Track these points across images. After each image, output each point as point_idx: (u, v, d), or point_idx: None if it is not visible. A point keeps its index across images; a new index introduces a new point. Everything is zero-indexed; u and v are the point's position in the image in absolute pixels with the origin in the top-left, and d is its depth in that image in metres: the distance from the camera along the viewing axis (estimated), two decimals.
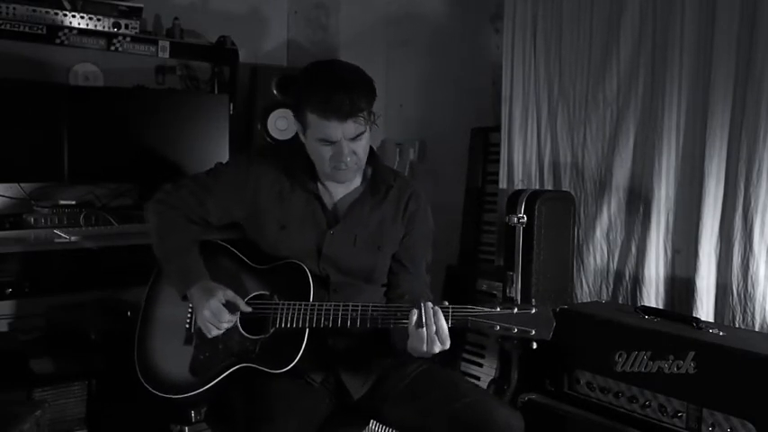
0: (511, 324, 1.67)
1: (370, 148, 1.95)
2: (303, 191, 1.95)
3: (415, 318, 1.68)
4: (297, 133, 1.92)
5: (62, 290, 2.73)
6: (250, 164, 1.97)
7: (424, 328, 1.67)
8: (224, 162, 2.08)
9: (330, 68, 1.85)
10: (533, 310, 1.67)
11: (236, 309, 1.84)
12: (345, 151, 1.82)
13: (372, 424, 2.03)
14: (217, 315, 1.81)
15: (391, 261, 2.01)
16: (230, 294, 1.84)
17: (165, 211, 1.96)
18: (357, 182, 1.99)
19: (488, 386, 2.64)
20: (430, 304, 1.69)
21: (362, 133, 1.83)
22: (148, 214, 1.99)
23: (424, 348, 1.69)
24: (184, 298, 1.88)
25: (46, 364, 2.60)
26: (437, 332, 1.68)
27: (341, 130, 1.79)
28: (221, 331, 1.84)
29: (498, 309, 1.68)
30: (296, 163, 1.95)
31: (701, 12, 2.30)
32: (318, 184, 1.96)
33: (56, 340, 2.75)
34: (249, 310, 1.85)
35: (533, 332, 1.66)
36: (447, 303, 1.73)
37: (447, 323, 1.68)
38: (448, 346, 1.70)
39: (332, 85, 1.77)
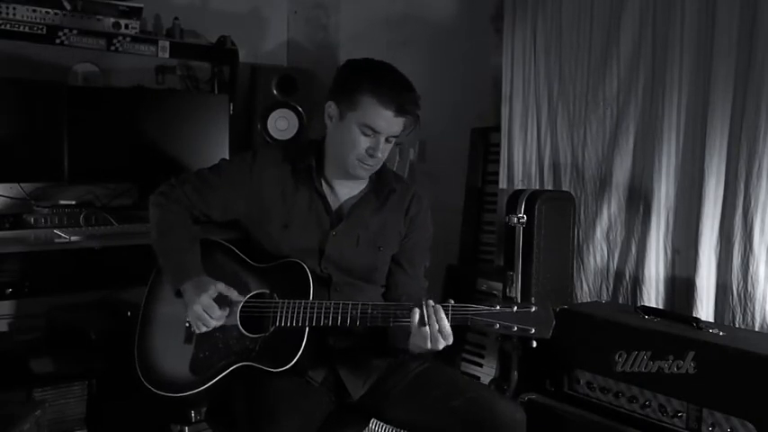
0: (511, 323, 1.67)
1: None
2: (307, 190, 1.95)
3: (417, 317, 1.70)
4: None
5: (62, 290, 2.73)
6: (254, 160, 1.98)
7: (427, 327, 1.68)
8: (228, 158, 2.09)
9: (392, 67, 1.89)
10: (533, 309, 1.67)
11: (228, 303, 1.84)
12: (380, 147, 1.85)
13: (372, 423, 2.03)
14: (207, 310, 1.81)
15: (390, 263, 2.02)
16: (222, 287, 1.84)
17: (167, 205, 1.96)
18: (362, 184, 2.00)
19: (488, 386, 2.64)
20: (431, 302, 1.70)
21: (396, 138, 1.88)
22: (151, 207, 1.99)
23: (429, 346, 1.70)
24: (178, 293, 1.88)
25: (46, 364, 2.60)
26: (440, 330, 1.69)
27: (390, 123, 1.82)
28: (210, 328, 1.84)
29: (498, 307, 1.68)
30: (304, 160, 1.95)
31: (701, 12, 2.30)
32: (324, 184, 1.96)
33: (56, 340, 2.75)
34: (241, 300, 1.85)
35: (533, 330, 1.66)
36: (452, 300, 1.73)
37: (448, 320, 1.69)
38: (451, 341, 1.71)
39: (398, 81, 1.84)
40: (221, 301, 1.83)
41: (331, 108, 1.90)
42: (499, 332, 1.68)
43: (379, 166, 1.93)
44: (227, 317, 1.85)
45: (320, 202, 1.95)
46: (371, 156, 1.85)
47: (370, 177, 2.00)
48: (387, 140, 1.86)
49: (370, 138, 1.84)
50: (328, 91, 1.91)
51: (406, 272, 2.02)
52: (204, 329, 1.84)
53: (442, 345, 1.70)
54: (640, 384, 2.06)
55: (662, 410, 2.01)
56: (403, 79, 1.86)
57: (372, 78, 1.83)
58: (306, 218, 1.94)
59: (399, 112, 1.81)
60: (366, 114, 1.81)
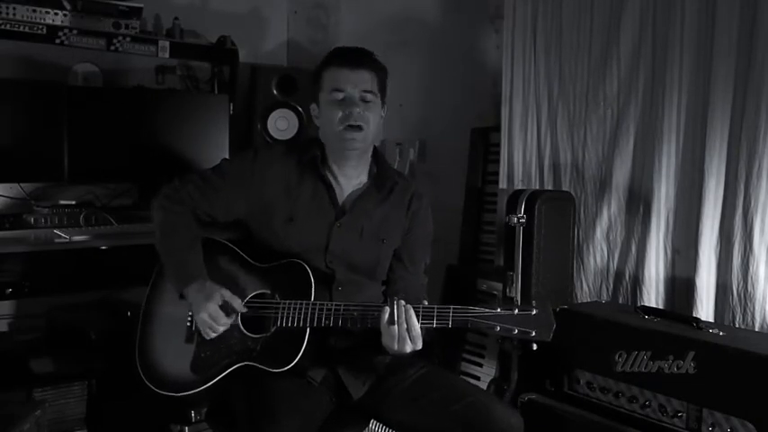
0: (511, 325, 1.67)
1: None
2: (312, 180, 1.96)
3: (386, 315, 1.71)
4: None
5: (62, 290, 2.73)
6: (255, 158, 1.99)
7: (396, 326, 1.69)
8: (229, 158, 2.10)
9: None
10: (534, 312, 1.67)
11: (232, 310, 1.84)
12: (357, 106, 1.87)
13: (372, 424, 2.03)
14: (214, 318, 1.82)
15: (391, 258, 2.02)
16: (228, 294, 1.84)
17: (170, 207, 1.97)
18: (363, 178, 2.01)
19: (488, 386, 2.64)
20: (402, 302, 1.71)
21: (372, 98, 1.90)
22: (154, 210, 1.99)
23: (395, 347, 1.71)
24: (182, 296, 1.88)
25: (46, 364, 2.60)
26: (408, 330, 1.70)
27: (351, 78, 1.87)
28: (217, 334, 1.85)
29: (499, 310, 1.68)
30: (309, 152, 1.98)
31: (701, 12, 2.30)
32: (328, 174, 1.98)
33: (56, 340, 2.75)
34: (244, 310, 1.86)
35: (534, 333, 1.66)
36: (426, 303, 1.75)
37: (419, 321, 1.70)
38: (420, 346, 1.72)
39: (348, 47, 1.96)
40: (226, 308, 1.84)
41: (314, 108, 1.98)
42: (500, 334, 1.68)
43: (369, 139, 1.93)
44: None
45: (325, 192, 1.96)
46: (350, 113, 1.87)
47: (370, 172, 2.01)
48: (362, 99, 1.88)
49: (342, 101, 1.88)
50: None
51: (407, 268, 2.03)
52: (213, 335, 1.85)
53: (408, 348, 1.71)
54: (640, 384, 2.06)
55: (662, 410, 2.01)
56: (355, 47, 1.95)
57: (327, 57, 1.94)
58: (309, 208, 1.95)
59: (354, 65, 1.88)
60: (330, 81, 1.89)
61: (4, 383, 2.45)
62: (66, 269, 2.64)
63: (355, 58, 1.89)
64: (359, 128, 1.88)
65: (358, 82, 1.88)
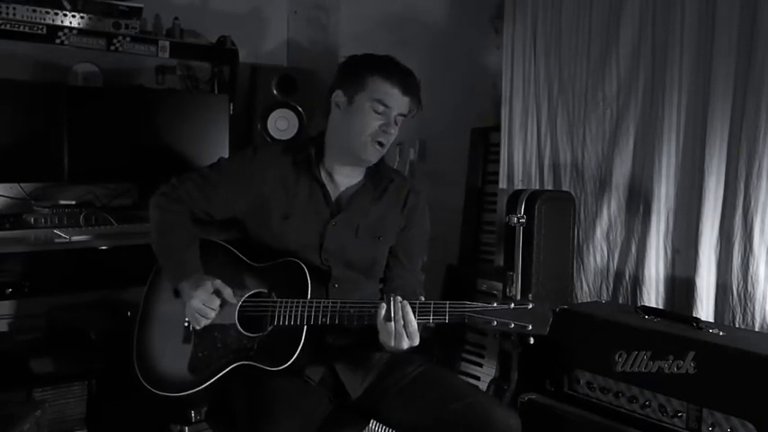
0: (508, 319, 1.67)
1: None
2: (307, 180, 1.96)
3: (383, 312, 1.71)
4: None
5: (62, 290, 2.73)
6: (254, 156, 1.99)
7: (392, 323, 1.69)
8: (227, 156, 2.10)
9: (393, 57, 1.97)
10: (530, 306, 1.68)
11: (224, 299, 1.84)
12: (392, 126, 1.89)
13: (372, 424, 2.03)
14: (206, 303, 1.82)
15: (388, 256, 2.02)
16: (218, 283, 1.85)
17: (168, 206, 1.97)
18: (359, 176, 2.01)
19: (488, 386, 2.64)
20: (399, 298, 1.71)
21: (401, 122, 1.92)
22: (151, 208, 1.99)
23: (392, 343, 1.71)
24: (176, 293, 1.88)
25: (46, 364, 2.60)
26: (405, 326, 1.70)
27: (399, 101, 1.89)
28: (209, 320, 1.84)
29: (495, 304, 1.69)
30: (303, 151, 1.98)
31: (701, 12, 2.30)
32: (323, 173, 1.98)
33: (56, 340, 2.75)
34: (234, 301, 1.86)
35: (530, 327, 1.67)
36: (423, 299, 1.76)
37: (416, 317, 1.70)
38: (416, 342, 1.72)
39: (401, 65, 1.94)
40: (218, 295, 1.84)
41: (338, 96, 1.93)
42: (497, 329, 1.69)
43: (384, 151, 1.95)
44: (225, 316, 1.86)
45: (319, 192, 1.96)
46: (385, 132, 1.88)
47: (367, 170, 2.01)
48: (395, 121, 1.90)
49: (382, 114, 1.88)
50: (332, 84, 1.96)
51: (404, 265, 2.03)
52: (204, 323, 1.84)
53: (405, 344, 1.71)
54: (640, 384, 2.06)
55: (662, 410, 2.01)
56: (405, 66, 1.95)
57: (378, 62, 1.92)
58: (305, 208, 1.95)
59: (405, 91, 1.89)
60: (376, 91, 1.87)
61: (4, 383, 2.45)
62: (66, 269, 2.64)
63: (409, 84, 1.90)
64: (382, 144, 1.91)
65: (401, 106, 1.90)
